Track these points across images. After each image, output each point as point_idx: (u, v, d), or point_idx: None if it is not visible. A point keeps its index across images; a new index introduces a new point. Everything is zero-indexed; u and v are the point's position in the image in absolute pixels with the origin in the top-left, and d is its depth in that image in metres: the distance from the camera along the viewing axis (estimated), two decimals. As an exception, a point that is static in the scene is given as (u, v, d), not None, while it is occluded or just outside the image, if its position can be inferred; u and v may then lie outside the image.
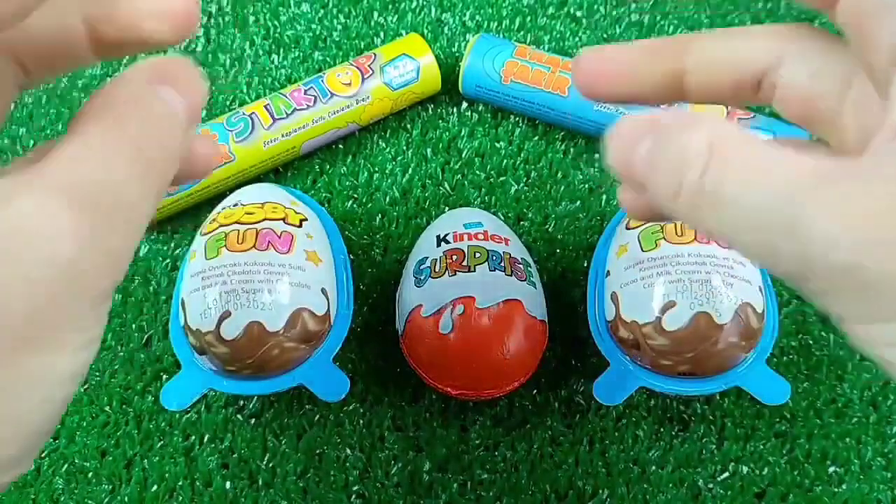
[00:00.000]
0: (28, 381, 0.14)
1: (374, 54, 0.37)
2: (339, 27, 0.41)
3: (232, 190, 0.33)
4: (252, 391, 0.29)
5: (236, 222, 0.29)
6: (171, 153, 0.17)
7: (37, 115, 0.39)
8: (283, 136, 0.35)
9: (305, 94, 0.35)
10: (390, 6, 0.42)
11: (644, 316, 0.28)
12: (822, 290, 0.16)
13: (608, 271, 0.30)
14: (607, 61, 0.20)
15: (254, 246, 0.28)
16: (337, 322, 0.30)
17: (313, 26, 0.41)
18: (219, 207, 0.31)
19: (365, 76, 0.36)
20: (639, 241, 0.29)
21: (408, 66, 0.36)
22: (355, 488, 0.30)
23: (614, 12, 0.42)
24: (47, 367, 0.15)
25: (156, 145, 0.17)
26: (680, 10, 0.42)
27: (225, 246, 0.29)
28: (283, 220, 0.30)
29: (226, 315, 0.27)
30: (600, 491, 0.30)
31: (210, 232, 0.29)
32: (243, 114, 0.35)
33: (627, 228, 0.31)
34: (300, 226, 0.30)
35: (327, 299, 0.29)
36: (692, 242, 0.28)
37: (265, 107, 0.35)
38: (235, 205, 0.30)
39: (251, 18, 0.42)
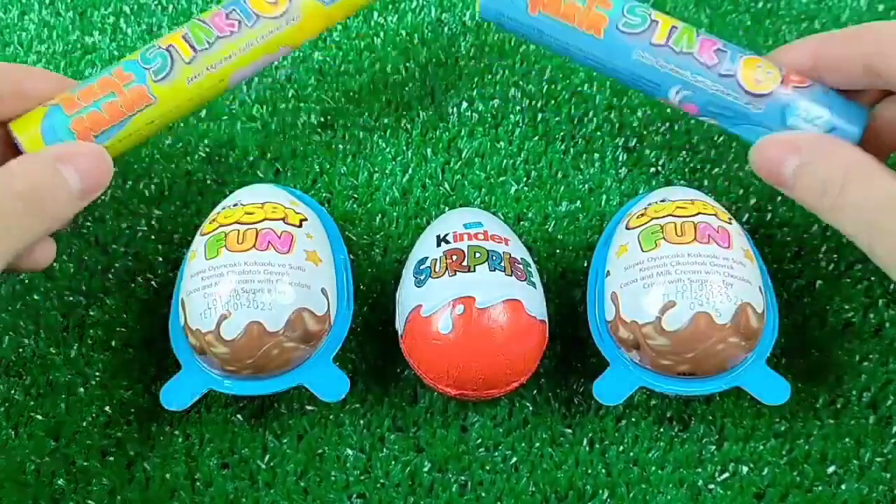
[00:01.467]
0: None
1: None
2: (340, 27, 0.41)
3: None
4: (252, 391, 0.29)
5: (236, 222, 0.29)
6: (55, 216, 0.25)
7: (37, 115, 0.39)
8: (207, 69, 0.30)
9: (228, 18, 0.30)
10: (390, 6, 0.42)
11: (644, 316, 0.28)
12: None
13: (608, 271, 0.31)
14: None
15: (254, 246, 0.28)
16: (337, 322, 0.30)
17: (313, 26, 0.41)
18: (218, 208, 0.31)
19: None
20: (639, 241, 0.29)
21: None
22: (356, 488, 0.30)
23: (614, 12, 0.42)
24: None
25: (42, 209, 0.25)
26: (680, 10, 0.42)
27: (225, 246, 0.29)
28: (283, 220, 0.30)
29: (225, 315, 0.27)
30: (600, 491, 0.30)
31: (210, 232, 0.29)
32: (159, 48, 0.30)
33: (627, 228, 0.31)
34: (300, 226, 0.30)
35: (327, 299, 0.29)
36: (692, 242, 0.28)
37: (183, 37, 0.30)
38: (235, 205, 0.31)
39: (251, 18, 0.42)
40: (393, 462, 0.31)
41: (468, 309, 0.28)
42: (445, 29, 0.41)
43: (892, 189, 0.24)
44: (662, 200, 0.31)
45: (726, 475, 0.30)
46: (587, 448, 0.31)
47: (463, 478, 0.31)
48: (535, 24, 0.31)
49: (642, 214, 0.31)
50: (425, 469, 0.31)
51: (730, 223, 0.30)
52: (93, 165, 0.27)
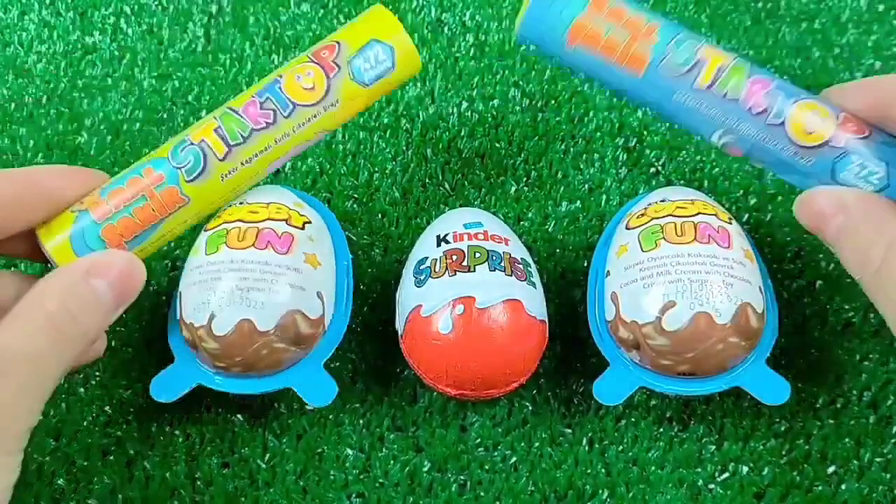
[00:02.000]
0: None
1: (337, 43, 0.29)
2: (340, 27, 0.41)
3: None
4: (240, 389, 0.29)
5: (239, 220, 0.29)
6: (89, 331, 0.24)
7: (37, 115, 0.39)
8: (242, 164, 0.28)
9: (262, 108, 0.28)
10: (390, 6, 0.42)
11: (644, 316, 0.28)
12: None
13: (608, 271, 0.31)
14: None
15: (253, 244, 0.28)
16: (332, 327, 0.30)
17: (313, 26, 0.41)
18: (225, 206, 0.31)
19: (330, 75, 0.28)
20: (639, 241, 0.29)
21: (380, 54, 0.29)
22: (355, 488, 0.30)
23: (614, 12, 0.42)
24: None
25: (76, 326, 0.24)
26: (680, 10, 0.42)
27: (225, 242, 0.29)
28: (286, 221, 0.30)
29: (218, 311, 0.27)
30: (600, 491, 0.30)
31: (213, 228, 0.29)
32: (190, 143, 0.28)
33: (627, 228, 0.31)
34: (303, 228, 0.30)
35: (322, 303, 0.29)
36: (692, 242, 0.28)
37: (215, 131, 0.28)
38: (241, 203, 0.31)
39: (251, 18, 0.42)
40: (392, 461, 0.31)
41: (468, 309, 0.28)
42: (445, 29, 0.41)
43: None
44: (662, 200, 0.31)
45: (726, 475, 0.30)
46: (587, 448, 0.31)
47: (462, 477, 0.31)
48: (572, 60, 0.28)
49: (642, 214, 0.31)
50: (424, 469, 0.31)
51: (730, 223, 0.30)
52: (125, 274, 0.26)
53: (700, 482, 0.30)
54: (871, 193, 0.26)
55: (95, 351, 0.29)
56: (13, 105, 0.39)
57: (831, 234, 0.26)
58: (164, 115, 0.39)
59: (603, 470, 0.31)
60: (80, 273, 0.25)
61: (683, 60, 0.27)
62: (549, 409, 0.32)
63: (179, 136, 0.28)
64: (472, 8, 0.42)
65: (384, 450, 0.31)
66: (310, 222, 0.31)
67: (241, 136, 0.28)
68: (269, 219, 0.29)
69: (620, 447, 0.31)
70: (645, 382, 0.29)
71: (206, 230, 0.30)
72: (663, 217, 0.30)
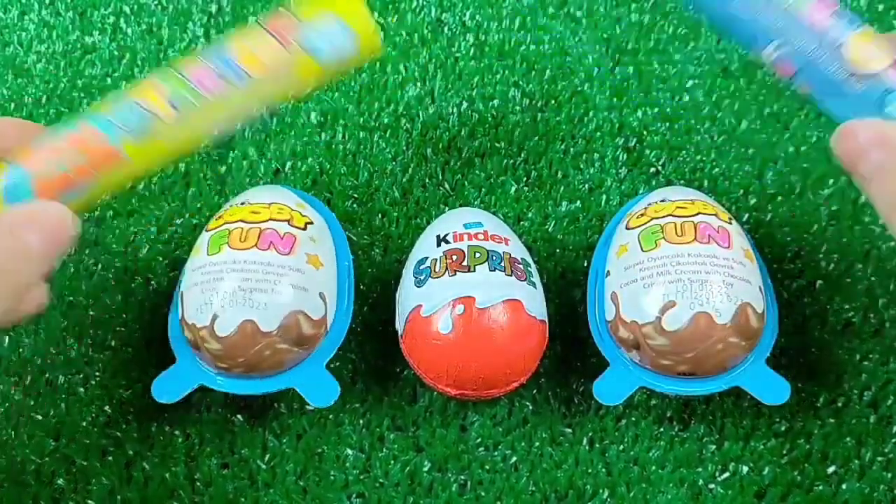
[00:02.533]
0: None
1: (295, 19, 0.27)
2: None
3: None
4: (243, 390, 0.29)
5: (241, 220, 0.29)
6: (19, 282, 0.24)
7: (36, 115, 0.39)
8: (189, 130, 0.27)
9: (219, 77, 0.26)
10: (390, 6, 0.42)
11: (644, 316, 0.28)
12: None
13: (608, 271, 0.31)
14: None
15: (255, 245, 0.28)
16: (334, 328, 0.30)
17: (313, 26, 0.41)
18: (226, 206, 0.31)
19: (287, 48, 0.27)
20: (639, 240, 0.29)
21: (336, 34, 0.27)
22: (355, 488, 0.30)
23: (614, 12, 0.42)
24: None
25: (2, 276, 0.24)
26: (680, 10, 0.42)
27: (227, 243, 0.28)
28: (288, 221, 0.30)
29: (221, 312, 0.27)
30: (600, 491, 0.30)
31: (214, 228, 0.29)
32: (136, 104, 0.26)
33: (627, 228, 0.31)
34: (304, 229, 0.30)
35: (325, 304, 0.29)
36: (692, 242, 0.28)
37: (168, 102, 0.26)
38: (243, 203, 0.31)
39: (251, 18, 0.42)
40: (392, 461, 0.31)
41: (468, 309, 0.28)
42: (445, 29, 0.41)
43: None
44: (662, 200, 0.31)
45: (727, 475, 0.30)
46: (587, 447, 0.31)
47: (462, 477, 0.31)
48: None
49: (642, 214, 0.31)
50: (425, 468, 0.31)
51: (730, 223, 0.30)
52: (54, 226, 0.25)
53: (701, 482, 0.30)
54: None
55: (36, 304, 0.26)
56: (13, 105, 0.39)
57: (866, 170, 0.24)
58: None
59: (603, 469, 0.31)
60: (6, 225, 0.25)
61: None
62: (549, 409, 0.32)
63: (122, 97, 0.27)
64: (472, 8, 0.42)
65: (384, 450, 0.31)
66: (311, 223, 0.31)
67: (193, 101, 0.26)
68: (271, 219, 0.29)
69: (621, 447, 0.31)
70: (645, 382, 0.29)
71: (207, 230, 0.30)
72: (663, 217, 0.30)
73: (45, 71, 0.40)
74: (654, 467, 0.31)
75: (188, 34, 0.41)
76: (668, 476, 0.30)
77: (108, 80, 0.40)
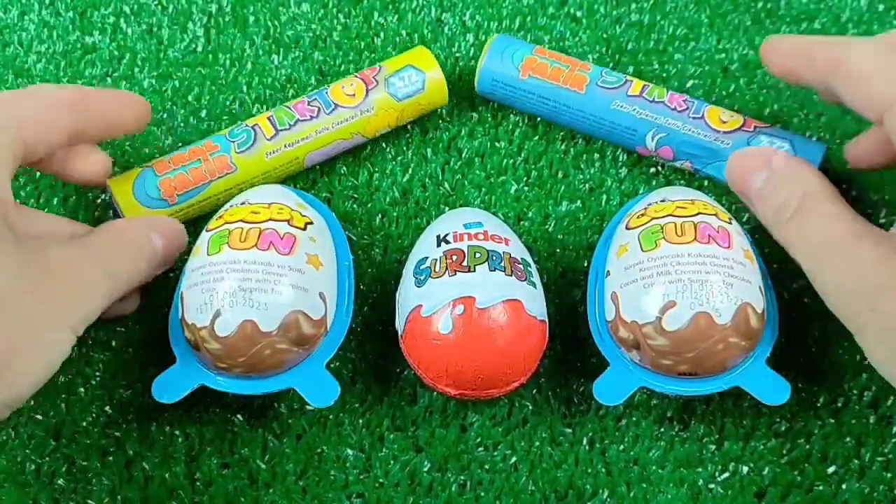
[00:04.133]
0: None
1: (380, 67, 0.36)
2: (339, 27, 0.41)
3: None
4: (243, 390, 0.29)
5: (241, 220, 0.29)
6: (139, 274, 0.29)
7: (37, 115, 0.39)
8: (285, 146, 0.34)
9: (309, 105, 0.35)
10: (390, 6, 0.42)
11: (644, 316, 0.28)
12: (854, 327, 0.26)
13: (608, 271, 0.31)
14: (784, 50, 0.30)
15: (255, 245, 0.28)
16: (334, 328, 0.30)
17: (313, 26, 0.41)
18: (227, 206, 0.31)
19: (369, 87, 0.36)
20: (639, 240, 0.29)
21: (413, 77, 0.36)
22: (355, 488, 0.30)
23: (614, 12, 0.42)
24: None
25: (133, 265, 0.29)
26: (680, 10, 0.42)
27: (227, 243, 0.29)
28: (288, 221, 0.30)
29: (221, 312, 0.27)
30: (600, 491, 0.30)
31: (215, 228, 0.30)
32: (246, 126, 0.35)
33: (627, 228, 0.31)
34: (304, 229, 0.30)
35: (325, 304, 0.29)
36: (692, 242, 0.28)
37: (268, 118, 0.35)
38: (243, 203, 0.31)
39: (251, 18, 0.42)
40: (392, 461, 0.31)
41: (468, 309, 0.28)
42: (445, 29, 0.41)
43: (833, 230, 0.26)
44: (662, 200, 0.31)
45: (727, 475, 0.30)
46: (587, 447, 0.31)
47: (462, 477, 0.31)
48: (526, 87, 0.36)
49: (642, 214, 0.31)
50: (425, 468, 0.31)
51: (730, 223, 0.30)
52: (175, 236, 0.31)
53: (700, 482, 0.30)
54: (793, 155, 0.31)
55: (133, 305, 0.32)
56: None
57: (753, 189, 0.28)
58: (164, 115, 0.39)
59: (603, 469, 0.31)
60: (144, 226, 0.30)
61: (615, 80, 0.36)
62: (549, 409, 0.32)
63: (239, 123, 0.35)
64: (471, 8, 0.42)
65: (384, 450, 0.31)
66: (311, 223, 0.31)
67: (289, 123, 0.35)
68: (271, 219, 0.29)
69: (621, 447, 0.31)
70: (645, 382, 0.29)
71: (207, 230, 0.30)
72: (663, 217, 0.30)
73: (45, 71, 0.40)
74: (654, 467, 0.31)
75: (188, 34, 0.41)
76: (668, 476, 0.30)
77: (109, 80, 0.40)
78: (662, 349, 0.28)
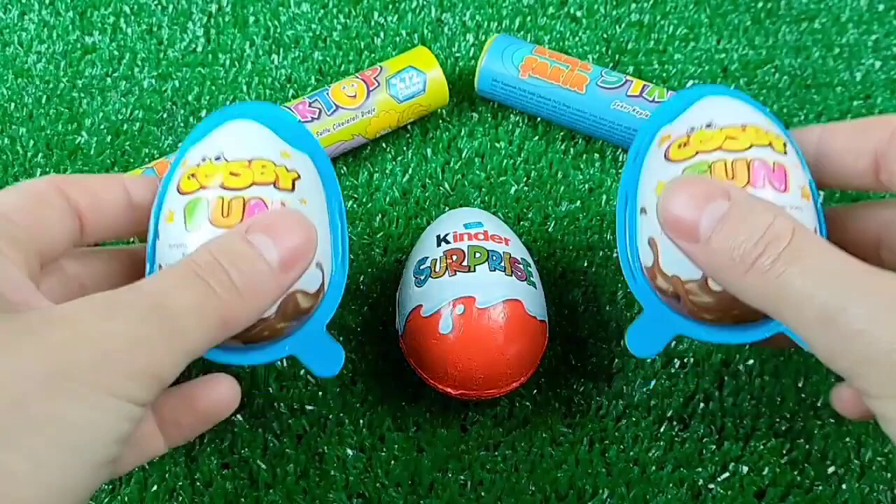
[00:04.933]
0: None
1: (381, 67, 0.36)
2: (339, 27, 0.41)
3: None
4: (239, 361, 0.25)
5: (220, 186, 0.25)
6: (258, 306, 0.22)
7: (36, 114, 0.39)
8: None
9: (310, 106, 0.35)
10: (390, 6, 0.42)
11: (688, 272, 0.24)
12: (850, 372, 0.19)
13: (643, 208, 0.26)
14: None
15: (241, 221, 0.24)
16: (331, 287, 0.26)
17: (313, 26, 0.41)
18: (198, 157, 0.25)
19: (370, 89, 0.36)
20: None
21: (413, 78, 0.36)
22: (356, 488, 0.30)
23: (614, 12, 0.42)
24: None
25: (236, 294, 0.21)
26: (680, 10, 0.42)
27: (208, 218, 0.24)
28: (274, 183, 0.25)
29: None
30: (600, 491, 0.30)
31: (189, 192, 0.25)
32: None
33: (668, 160, 0.26)
34: (293, 189, 0.25)
35: (322, 271, 0.26)
36: (745, 187, 0.24)
37: None
38: (218, 158, 0.25)
39: (251, 18, 0.42)
40: (393, 462, 0.31)
41: (468, 309, 0.28)
42: (445, 29, 0.41)
43: (851, 263, 0.20)
44: (709, 126, 0.26)
45: (726, 475, 0.30)
46: (587, 447, 0.31)
47: (462, 477, 0.31)
48: (526, 87, 0.36)
49: (685, 144, 0.26)
50: (426, 469, 0.31)
51: (785, 153, 0.25)
52: (293, 230, 0.23)
53: (700, 482, 0.30)
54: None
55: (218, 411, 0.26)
56: (13, 105, 0.39)
57: (704, 226, 0.21)
58: (164, 115, 0.39)
59: (603, 470, 0.31)
60: (239, 232, 0.22)
61: (615, 80, 0.36)
62: (549, 409, 0.32)
63: None
64: (472, 8, 0.42)
65: (385, 450, 0.31)
66: (299, 177, 0.26)
67: None
68: (254, 183, 0.25)
69: (621, 447, 0.31)
70: (685, 331, 0.25)
71: (180, 192, 0.25)
72: (711, 151, 0.25)
73: (45, 71, 0.40)
74: (654, 467, 0.31)
75: (188, 34, 0.41)
76: (668, 476, 0.30)
77: (108, 80, 0.40)
78: (707, 306, 0.24)
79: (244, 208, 0.24)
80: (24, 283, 0.21)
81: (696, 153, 0.25)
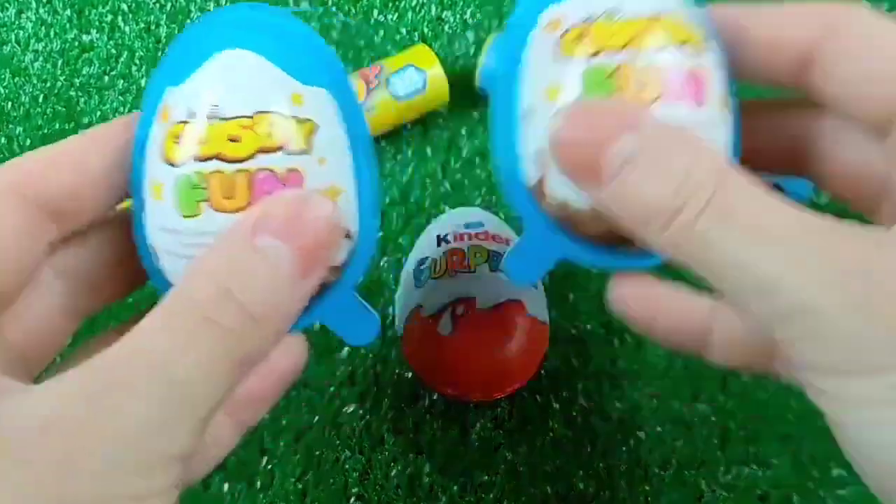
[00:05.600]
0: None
1: (381, 65, 0.36)
2: (339, 25, 0.41)
3: None
4: None
5: (218, 157, 0.19)
6: (272, 326, 0.17)
7: (33, 113, 0.39)
8: None
9: None
10: (390, 4, 0.42)
11: (581, 200, 0.19)
12: (785, 338, 0.16)
13: (529, 111, 0.20)
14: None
15: (248, 203, 0.19)
16: (360, 247, 0.21)
17: (313, 24, 0.41)
18: (182, 109, 0.19)
19: (370, 87, 0.36)
20: (583, 84, 0.19)
21: (413, 76, 0.36)
22: (355, 490, 0.30)
23: (616, 10, 0.41)
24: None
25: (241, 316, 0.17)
26: (682, 8, 0.41)
27: (208, 201, 0.19)
28: (284, 148, 0.19)
29: None
30: (601, 493, 0.30)
31: (177, 164, 0.19)
32: None
33: (562, 55, 0.20)
34: (308, 148, 0.20)
35: (351, 238, 0.21)
36: (656, 100, 0.18)
37: None
38: (212, 116, 0.19)
39: (250, 16, 0.41)
40: (392, 463, 0.31)
41: (469, 310, 0.28)
42: (446, 27, 0.41)
43: (785, 223, 0.16)
44: (613, 14, 0.20)
45: (729, 477, 0.30)
46: (588, 449, 0.31)
47: (463, 479, 0.31)
48: None
49: (583, 35, 0.20)
50: (425, 471, 0.31)
51: (704, 51, 0.19)
52: (309, 222, 0.18)
53: (703, 484, 0.30)
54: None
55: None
56: (10, 104, 0.39)
57: (609, 163, 0.17)
58: (162, 114, 0.39)
59: (605, 471, 0.30)
60: (245, 236, 0.17)
61: None
62: (550, 411, 0.32)
63: None
64: (472, 6, 0.41)
65: (384, 452, 0.31)
66: (315, 129, 0.20)
67: None
68: (260, 150, 0.19)
69: (622, 448, 0.31)
70: (570, 254, 0.21)
71: (165, 160, 0.19)
72: (616, 52, 0.19)
73: (42, 69, 0.40)
74: (656, 469, 0.30)
75: (186, 32, 0.41)
76: (670, 478, 0.30)
77: (106, 78, 0.40)
78: (600, 234, 0.20)
79: (250, 185, 0.19)
80: None
81: (598, 52, 0.19)
